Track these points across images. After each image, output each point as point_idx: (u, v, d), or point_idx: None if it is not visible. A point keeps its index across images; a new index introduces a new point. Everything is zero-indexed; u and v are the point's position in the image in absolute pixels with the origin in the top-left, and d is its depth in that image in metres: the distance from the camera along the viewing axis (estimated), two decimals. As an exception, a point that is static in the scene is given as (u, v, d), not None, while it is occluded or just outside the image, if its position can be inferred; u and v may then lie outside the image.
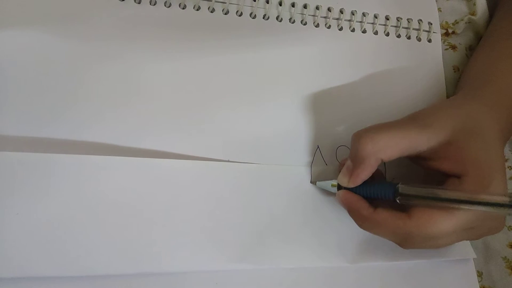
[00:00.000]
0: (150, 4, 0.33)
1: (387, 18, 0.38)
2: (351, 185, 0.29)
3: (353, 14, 0.37)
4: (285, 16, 0.36)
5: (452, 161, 0.27)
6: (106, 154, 0.29)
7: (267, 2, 0.35)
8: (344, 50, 0.36)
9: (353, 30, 0.37)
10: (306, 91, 0.35)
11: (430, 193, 0.26)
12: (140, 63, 0.32)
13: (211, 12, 0.34)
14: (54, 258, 0.27)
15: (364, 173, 0.28)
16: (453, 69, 0.40)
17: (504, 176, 0.27)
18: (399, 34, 0.38)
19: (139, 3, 0.33)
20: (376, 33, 0.37)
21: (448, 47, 0.40)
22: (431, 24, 0.39)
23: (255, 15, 0.35)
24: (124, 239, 0.28)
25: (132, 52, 0.32)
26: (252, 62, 0.34)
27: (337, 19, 0.37)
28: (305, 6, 0.36)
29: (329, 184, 0.31)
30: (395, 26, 0.38)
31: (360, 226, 0.29)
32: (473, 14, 0.41)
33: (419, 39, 0.39)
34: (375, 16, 0.38)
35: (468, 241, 0.35)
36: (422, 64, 0.38)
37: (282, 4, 0.35)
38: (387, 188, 0.28)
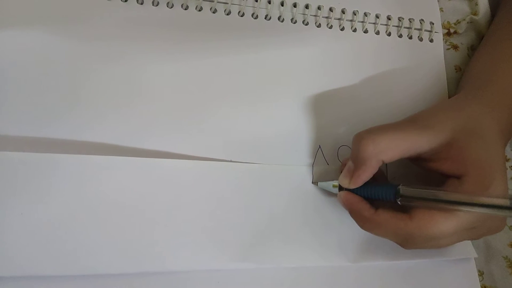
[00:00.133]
0: (153, 5, 0.33)
1: (388, 18, 0.38)
2: (352, 186, 0.29)
3: (355, 14, 0.37)
4: (287, 16, 0.36)
5: (452, 162, 0.28)
6: (108, 154, 0.30)
7: (269, 3, 0.35)
8: (346, 50, 0.36)
9: (354, 30, 0.37)
10: (308, 91, 0.35)
11: (431, 194, 0.26)
12: (142, 63, 0.32)
13: (213, 12, 0.34)
14: (55, 257, 0.27)
15: (365, 175, 0.28)
16: (455, 69, 0.40)
17: (505, 177, 0.28)
18: (401, 34, 0.38)
19: (141, 4, 0.33)
20: (377, 33, 0.38)
21: (450, 47, 0.40)
22: (433, 24, 0.39)
23: (257, 15, 0.35)
24: (125, 239, 0.29)
25: (134, 52, 0.32)
26: (254, 62, 0.34)
27: (339, 19, 0.37)
28: (307, 6, 0.36)
29: (330, 185, 0.31)
30: (397, 26, 0.38)
31: (362, 227, 0.29)
32: (475, 14, 0.41)
33: (420, 39, 0.39)
34: (377, 16, 0.38)
35: (469, 240, 0.35)
36: (423, 64, 0.38)
37: (284, 4, 0.35)
38: (388, 190, 0.28)
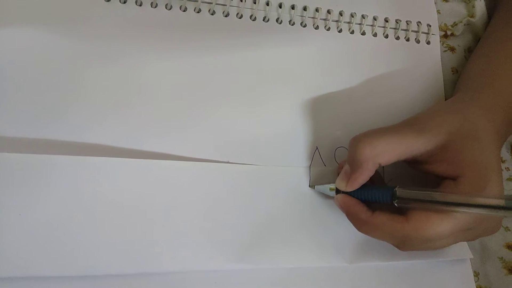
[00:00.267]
0: (151, 6, 0.33)
1: (386, 20, 0.38)
2: (349, 189, 0.29)
3: (353, 16, 0.37)
4: (285, 18, 0.36)
5: (448, 164, 0.28)
6: (106, 156, 0.30)
7: (267, 5, 0.35)
8: (344, 52, 0.37)
9: (352, 32, 0.37)
10: (306, 92, 0.35)
11: (427, 196, 0.26)
12: (140, 64, 0.32)
13: (212, 14, 0.34)
14: (54, 258, 0.28)
15: (362, 178, 0.28)
16: (452, 71, 0.40)
17: (500, 178, 0.28)
18: (398, 36, 0.38)
19: (140, 5, 0.33)
20: (375, 35, 0.38)
21: (446, 49, 0.41)
22: (430, 26, 0.39)
23: (255, 17, 0.35)
24: (123, 239, 0.29)
25: (132, 53, 0.32)
26: (252, 64, 0.34)
27: (337, 21, 0.37)
28: (304, 8, 0.36)
29: (327, 188, 0.31)
30: (394, 28, 0.38)
31: (359, 229, 0.29)
32: (472, 16, 0.41)
33: (417, 41, 0.39)
34: (374, 18, 0.38)
35: (465, 241, 0.35)
36: (420, 66, 0.38)
37: (282, 6, 0.36)
38: (385, 192, 0.28)
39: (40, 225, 0.28)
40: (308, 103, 0.35)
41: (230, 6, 0.35)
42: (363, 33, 0.37)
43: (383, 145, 0.27)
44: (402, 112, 0.36)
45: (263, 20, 0.35)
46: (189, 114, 0.32)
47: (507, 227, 0.37)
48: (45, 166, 0.28)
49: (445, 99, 0.39)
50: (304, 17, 0.36)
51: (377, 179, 0.32)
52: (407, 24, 0.39)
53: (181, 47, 0.33)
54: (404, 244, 0.28)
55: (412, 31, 0.39)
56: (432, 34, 0.39)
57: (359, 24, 0.37)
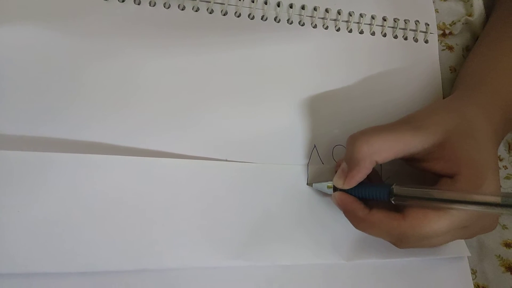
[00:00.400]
0: (150, 5, 0.33)
1: (384, 19, 0.38)
2: (346, 187, 0.29)
3: (351, 15, 0.37)
4: (283, 17, 0.36)
5: (445, 162, 0.28)
6: (105, 153, 0.30)
7: (266, 3, 0.35)
8: (342, 50, 0.37)
9: (350, 31, 0.37)
10: (304, 91, 0.35)
11: (424, 193, 0.26)
12: (138, 63, 0.32)
13: (210, 13, 0.34)
14: (53, 255, 0.28)
15: (359, 175, 0.28)
16: (450, 69, 0.40)
17: (497, 176, 0.28)
18: (396, 35, 0.38)
19: (138, 4, 0.33)
20: (373, 34, 0.38)
21: (445, 47, 0.41)
22: (428, 25, 0.39)
23: (254, 16, 0.35)
24: (121, 236, 0.29)
25: (131, 51, 0.32)
26: (250, 62, 0.34)
27: (335, 20, 0.37)
28: (302, 7, 0.36)
29: (325, 185, 0.32)
30: (392, 27, 0.38)
31: (356, 227, 0.29)
32: (470, 15, 0.41)
33: (416, 40, 0.39)
34: (372, 17, 0.38)
35: (463, 239, 0.35)
36: (419, 64, 0.39)
37: (280, 5, 0.36)
38: (382, 190, 0.28)
39: (39, 222, 0.28)
40: (306, 101, 0.35)
41: (229, 5, 0.35)
42: (361, 32, 0.38)
43: (380, 143, 0.27)
44: (400, 110, 0.37)
45: (261, 19, 0.35)
46: (187, 112, 0.32)
47: (504, 225, 0.37)
48: (44, 163, 0.29)
49: (443, 98, 0.39)
50: (302, 16, 0.36)
51: (375, 177, 0.33)
52: (405, 23, 0.39)
53: (179, 45, 0.33)
54: (401, 242, 0.28)
55: (410, 30, 0.39)
56: (430, 33, 0.39)
57: (357, 23, 0.37)
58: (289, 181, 0.33)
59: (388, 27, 0.38)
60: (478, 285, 0.36)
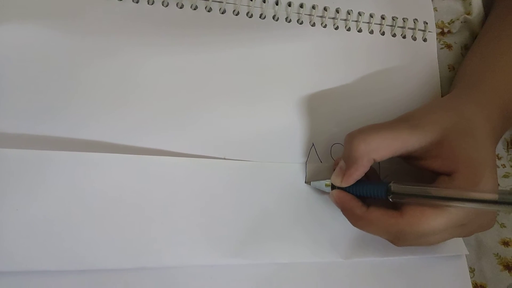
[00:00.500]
0: (148, 3, 0.33)
1: (382, 18, 0.38)
2: (344, 185, 0.29)
3: (349, 14, 0.37)
4: (282, 15, 0.36)
5: (443, 160, 0.28)
6: (103, 152, 0.30)
7: (264, 2, 0.36)
8: (340, 49, 0.37)
9: (348, 29, 0.37)
10: (302, 89, 0.35)
11: (421, 191, 0.26)
12: (137, 61, 0.32)
13: (208, 11, 0.35)
14: (52, 253, 0.28)
15: (357, 173, 0.28)
16: (448, 68, 0.40)
17: (495, 174, 0.28)
18: (395, 33, 0.38)
19: (137, 2, 0.33)
20: (371, 32, 0.38)
21: (443, 46, 0.41)
22: (427, 23, 0.39)
23: (252, 14, 0.35)
24: (120, 234, 0.29)
25: (130, 49, 0.32)
26: (248, 60, 0.34)
27: (333, 18, 0.37)
28: (301, 6, 0.36)
29: (323, 184, 0.32)
30: (391, 26, 0.38)
31: (354, 224, 0.29)
32: (468, 13, 0.41)
33: (414, 38, 0.39)
34: (371, 16, 0.38)
35: (461, 237, 0.35)
36: (417, 63, 0.39)
37: (279, 3, 0.36)
38: (380, 187, 0.28)
39: (38, 220, 0.28)
40: (304, 99, 0.35)
41: (227, 3, 0.35)
42: (360, 30, 0.38)
43: (377, 141, 0.27)
44: (399, 108, 0.37)
45: (260, 17, 0.35)
46: (186, 110, 0.32)
47: (502, 223, 0.37)
48: (43, 162, 0.29)
49: (442, 96, 0.39)
50: (300, 14, 0.36)
51: (373, 175, 0.33)
52: (404, 21, 0.39)
53: (178, 44, 0.33)
54: (399, 239, 0.28)
55: (409, 28, 0.39)
56: (429, 31, 0.39)
57: (356, 21, 0.38)
58: (287, 179, 0.33)
59: (387, 25, 0.38)
60: (476, 284, 0.36)
